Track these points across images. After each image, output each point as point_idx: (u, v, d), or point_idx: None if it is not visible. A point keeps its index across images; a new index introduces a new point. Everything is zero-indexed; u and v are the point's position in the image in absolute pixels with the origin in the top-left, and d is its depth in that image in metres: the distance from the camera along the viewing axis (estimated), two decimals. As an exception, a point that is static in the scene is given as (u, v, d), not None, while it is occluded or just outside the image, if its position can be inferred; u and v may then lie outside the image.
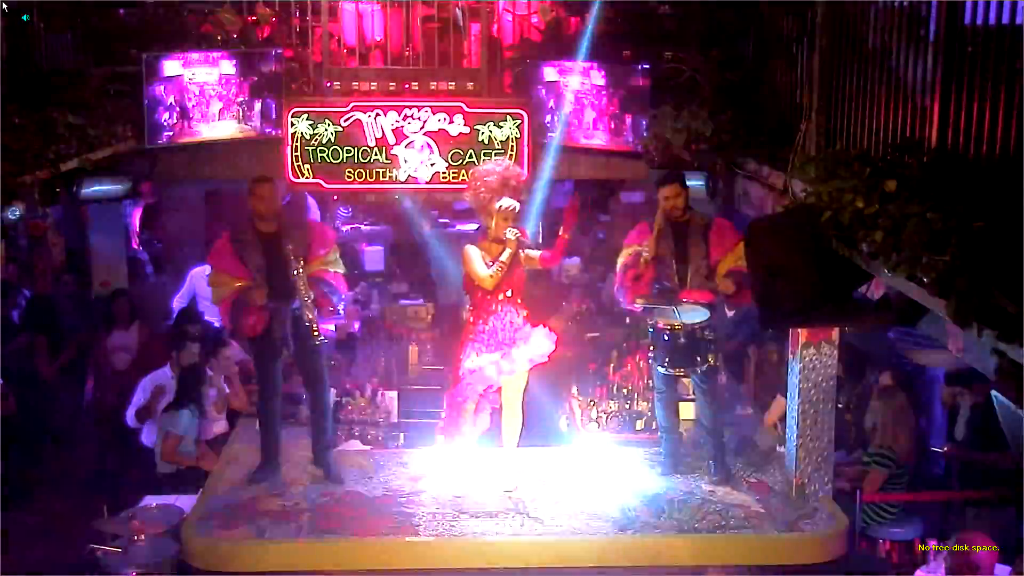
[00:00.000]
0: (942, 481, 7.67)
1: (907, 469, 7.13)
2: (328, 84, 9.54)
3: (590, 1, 9.27)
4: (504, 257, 6.47)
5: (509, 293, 6.59)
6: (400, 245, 12.01)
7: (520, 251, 6.57)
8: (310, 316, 6.51)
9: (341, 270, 6.86)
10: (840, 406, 7.40)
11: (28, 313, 9.53)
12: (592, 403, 7.86)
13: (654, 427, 7.45)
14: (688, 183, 7.02)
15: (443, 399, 7.01)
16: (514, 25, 9.99)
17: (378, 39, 9.83)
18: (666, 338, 6.69)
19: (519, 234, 6.52)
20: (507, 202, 6.50)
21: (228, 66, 8.97)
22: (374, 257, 12.14)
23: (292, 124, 9.42)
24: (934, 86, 4.63)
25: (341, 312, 7.24)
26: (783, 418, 7.29)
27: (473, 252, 6.55)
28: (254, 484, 6.78)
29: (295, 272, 6.49)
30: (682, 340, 6.65)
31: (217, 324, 9.93)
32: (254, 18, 9.46)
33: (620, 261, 6.87)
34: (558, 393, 8.46)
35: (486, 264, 6.51)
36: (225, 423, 8.01)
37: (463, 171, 9.43)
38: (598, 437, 7.65)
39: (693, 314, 6.64)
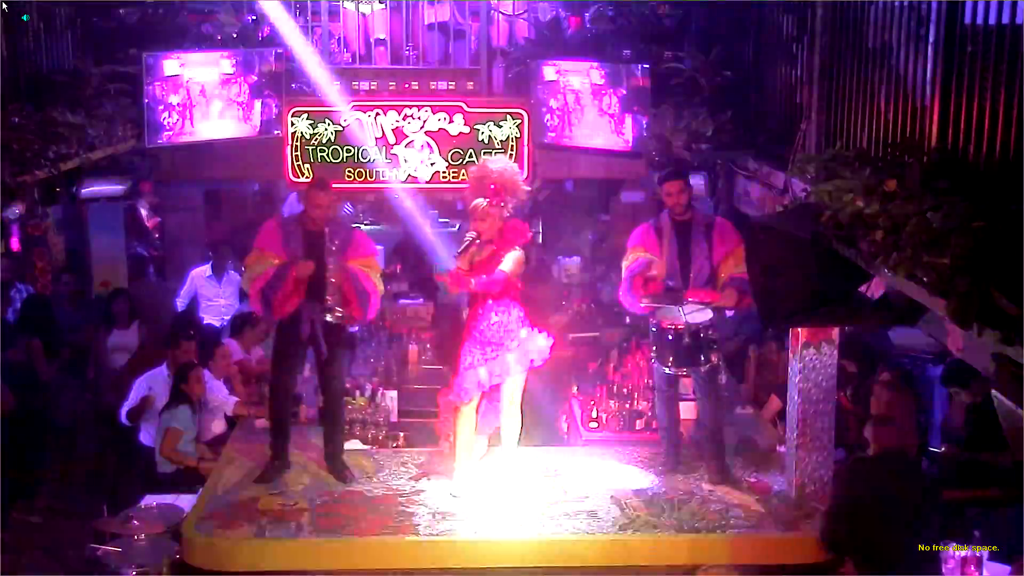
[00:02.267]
0: (942, 481, 7.66)
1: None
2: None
3: (590, 1, 9.28)
4: (464, 264, 6.47)
5: (493, 297, 6.55)
6: (405, 244, 11.99)
7: (477, 242, 6.53)
8: (338, 309, 6.52)
9: (378, 282, 6.79)
10: (847, 399, 7.42)
11: (24, 312, 9.53)
12: (592, 403, 7.86)
13: (654, 427, 7.46)
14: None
15: (441, 399, 7.02)
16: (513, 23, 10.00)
17: (378, 39, 9.85)
18: (670, 337, 6.69)
19: (476, 236, 6.48)
20: (476, 203, 6.51)
21: (228, 66, 8.97)
22: (374, 257, 12.12)
23: (292, 124, 9.43)
24: (934, 86, 4.63)
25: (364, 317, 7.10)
26: (781, 417, 7.29)
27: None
28: (259, 483, 6.78)
29: (331, 260, 6.46)
30: (686, 340, 6.65)
31: (217, 324, 9.97)
32: (254, 18, 9.46)
33: (625, 265, 6.85)
34: (558, 393, 8.47)
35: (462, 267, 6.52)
36: (225, 423, 8.01)
37: (463, 171, 9.45)
38: (598, 437, 7.66)
39: (698, 314, 6.64)
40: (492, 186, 6.50)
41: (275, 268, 6.53)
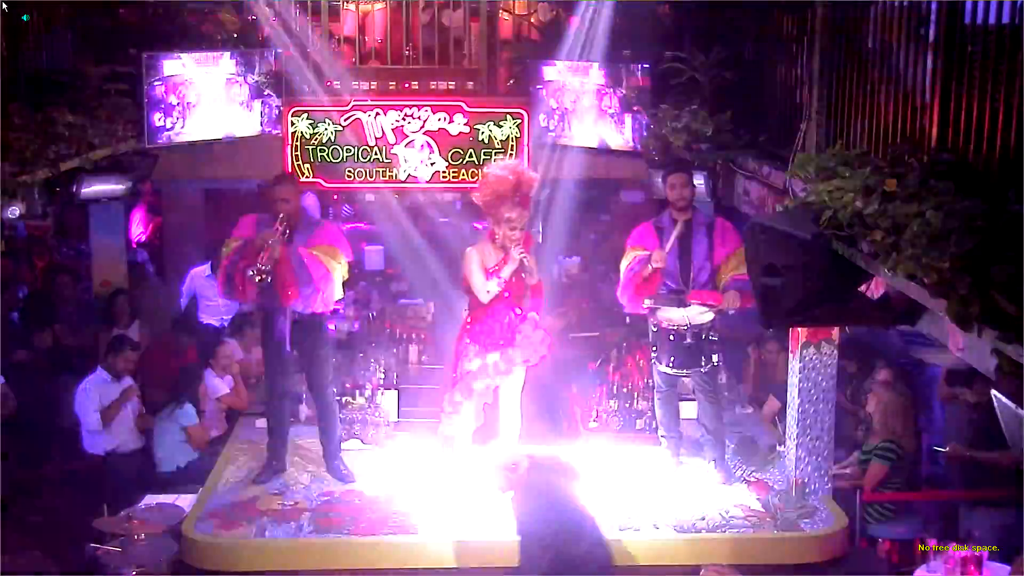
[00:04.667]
0: (942, 481, 7.67)
1: (907, 464, 7.13)
2: (328, 83, 9.55)
3: (590, 1, 9.27)
4: (505, 273, 6.42)
5: (506, 294, 6.56)
6: (404, 244, 12.00)
7: (525, 261, 6.54)
8: (263, 269, 6.38)
9: (332, 270, 6.69)
10: (847, 399, 7.43)
11: (26, 309, 9.53)
12: (592, 403, 7.86)
13: (654, 427, 7.46)
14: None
15: (443, 399, 7.01)
16: (512, 23, 10.01)
17: (378, 39, 9.85)
18: (671, 338, 6.68)
19: (524, 253, 6.46)
20: (517, 213, 6.43)
21: (228, 66, 8.97)
22: (374, 257, 12.13)
23: (292, 123, 9.43)
24: (934, 86, 4.63)
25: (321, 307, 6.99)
26: (781, 417, 7.30)
27: (473, 257, 6.50)
28: (259, 483, 6.78)
29: (277, 233, 6.40)
30: (688, 340, 6.64)
31: (217, 324, 9.97)
32: (254, 18, 9.46)
33: (624, 264, 6.84)
34: (558, 393, 8.47)
35: (485, 270, 6.46)
36: (225, 423, 8.03)
37: (463, 170, 9.45)
38: (598, 437, 7.66)
39: (699, 315, 6.64)
40: (523, 193, 6.47)
41: (239, 244, 6.55)
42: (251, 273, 6.38)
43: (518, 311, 6.61)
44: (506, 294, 6.57)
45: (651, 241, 6.76)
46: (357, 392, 8.01)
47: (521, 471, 5.34)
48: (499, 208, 6.42)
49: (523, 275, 6.53)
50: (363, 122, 9.48)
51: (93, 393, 7.73)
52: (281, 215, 6.50)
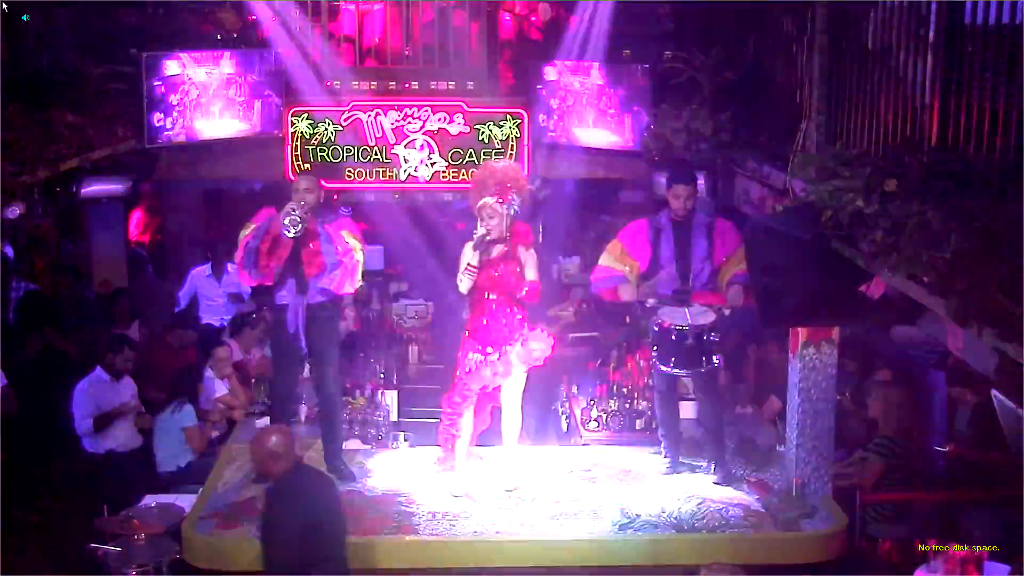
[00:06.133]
0: (942, 481, 7.67)
1: (906, 462, 7.13)
2: (328, 84, 9.57)
3: (591, 1, 9.29)
4: (474, 262, 6.42)
5: (499, 296, 6.54)
6: (405, 244, 11.98)
7: (525, 251, 6.55)
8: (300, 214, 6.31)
9: (357, 252, 6.64)
10: (847, 399, 7.43)
11: (26, 309, 9.52)
12: (592, 403, 7.86)
13: (654, 427, 7.46)
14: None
15: (442, 399, 7.02)
16: (513, 23, 10.02)
17: (377, 39, 9.86)
18: (673, 338, 6.68)
19: (486, 233, 6.45)
20: (485, 201, 6.46)
21: (228, 66, 8.98)
22: (374, 257, 12.12)
23: (292, 123, 9.44)
24: (934, 86, 4.64)
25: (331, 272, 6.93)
26: (781, 417, 7.30)
27: (464, 252, 6.55)
28: (259, 483, 6.78)
29: (304, 207, 6.35)
30: (689, 341, 6.64)
31: (217, 324, 9.97)
32: (254, 18, 9.48)
33: (601, 263, 6.91)
34: (558, 393, 8.47)
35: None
36: (224, 423, 8.03)
37: (463, 170, 9.47)
38: (598, 437, 7.66)
39: (701, 315, 6.64)
40: (497, 184, 6.49)
41: (260, 224, 6.44)
42: (287, 220, 6.26)
43: (517, 314, 6.59)
44: (498, 296, 6.54)
45: (642, 241, 6.76)
46: (357, 392, 8.01)
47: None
48: (475, 202, 6.50)
49: (509, 270, 6.50)
50: (363, 122, 9.49)
51: (90, 393, 7.72)
52: (304, 202, 6.45)
